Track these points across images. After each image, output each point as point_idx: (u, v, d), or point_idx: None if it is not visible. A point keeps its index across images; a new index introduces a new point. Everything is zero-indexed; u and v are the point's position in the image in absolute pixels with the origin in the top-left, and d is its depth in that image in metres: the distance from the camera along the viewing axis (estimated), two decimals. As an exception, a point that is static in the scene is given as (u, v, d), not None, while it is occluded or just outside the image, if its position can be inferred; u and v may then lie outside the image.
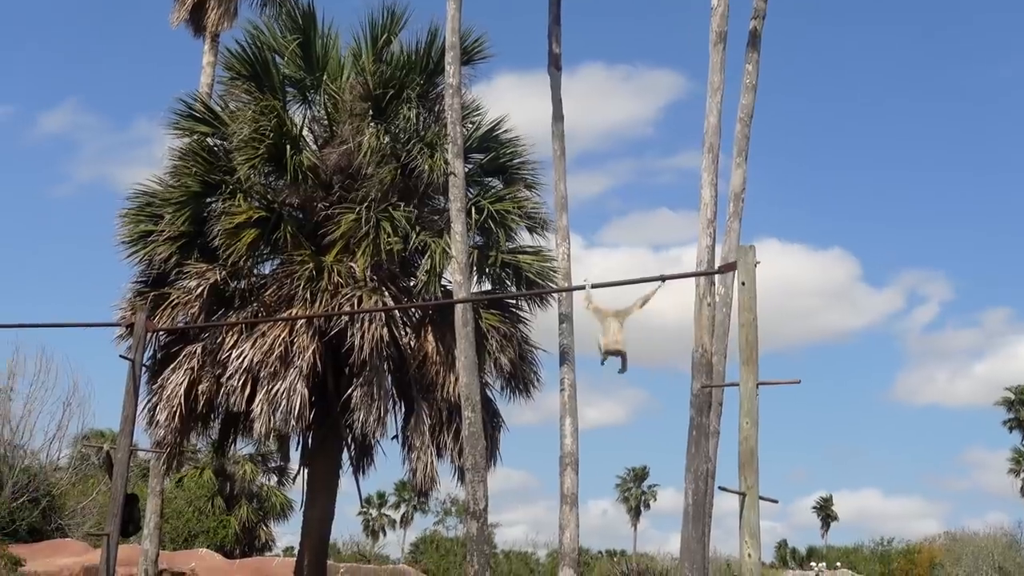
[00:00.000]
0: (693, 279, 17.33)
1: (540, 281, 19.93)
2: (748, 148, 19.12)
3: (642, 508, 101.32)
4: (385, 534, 76.16)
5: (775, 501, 10.85)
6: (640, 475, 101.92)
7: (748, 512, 10.36)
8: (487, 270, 20.12)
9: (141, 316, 15.44)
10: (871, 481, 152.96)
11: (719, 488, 11.57)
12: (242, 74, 20.49)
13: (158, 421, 19.05)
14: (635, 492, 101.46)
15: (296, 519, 46.70)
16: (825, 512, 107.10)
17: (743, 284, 10.70)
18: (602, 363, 14.55)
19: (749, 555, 10.36)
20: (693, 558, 15.93)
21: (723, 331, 18.11)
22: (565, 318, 19.89)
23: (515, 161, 20.86)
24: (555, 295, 20.01)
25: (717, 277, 17.62)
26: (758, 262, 10.78)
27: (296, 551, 21.46)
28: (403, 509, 75.86)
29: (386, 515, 76.05)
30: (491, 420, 19.99)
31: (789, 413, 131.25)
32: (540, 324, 20.81)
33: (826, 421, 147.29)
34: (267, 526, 46.69)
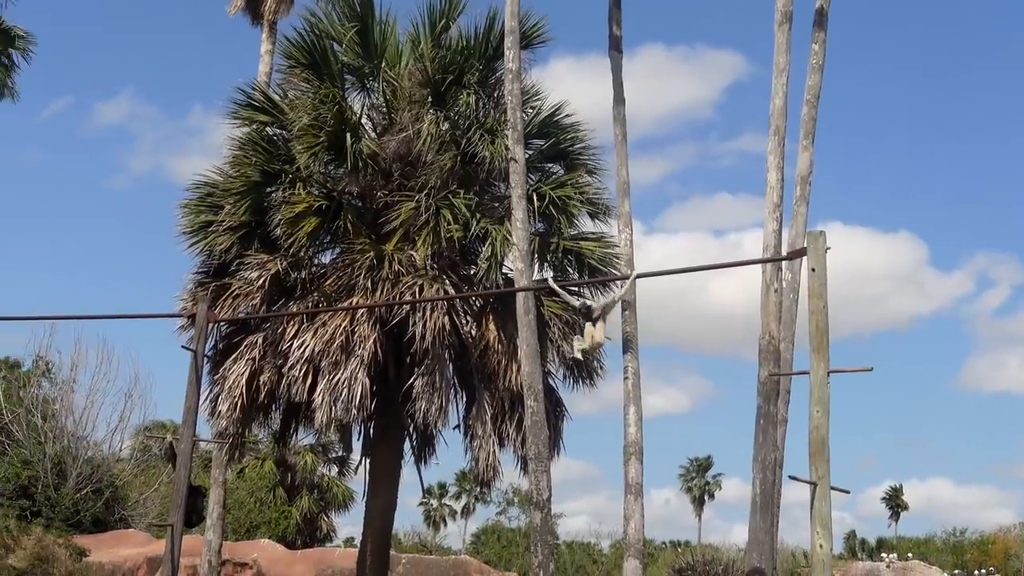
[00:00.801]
0: (759, 265, 17.25)
1: (602, 268, 19.92)
2: (815, 130, 18.95)
3: (706, 498, 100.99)
4: (446, 524, 76.68)
5: (846, 491, 10.81)
6: (704, 465, 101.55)
7: (819, 502, 10.33)
8: (548, 257, 20.16)
9: (203, 307, 15.69)
10: (941, 470, 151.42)
11: (789, 478, 11.55)
12: (300, 62, 20.66)
13: (220, 412, 19.33)
14: (699, 482, 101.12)
15: (357, 510, 47.16)
16: (895, 502, 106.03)
17: (813, 270, 10.64)
18: (584, 359, 15.17)
19: (820, 546, 10.33)
20: (761, 549, 15.88)
21: (790, 318, 18.00)
22: (628, 305, 19.83)
23: (576, 146, 20.85)
24: (618, 282, 19.97)
25: (784, 263, 17.51)
26: (828, 247, 10.72)
27: (356, 542, 21.72)
28: (464, 499, 76.28)
29: (447, 505, 76.55)
30: (554, 409, 20.05)
31: (855, 401, 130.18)
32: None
33: (893, 409, 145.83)
34: (328, 517, 47.18)
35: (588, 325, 14.77)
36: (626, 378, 19.44)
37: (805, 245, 11.19)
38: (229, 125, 20.58)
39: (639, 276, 15.61)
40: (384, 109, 21.02)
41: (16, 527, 29.13)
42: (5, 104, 29.69)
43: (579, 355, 15.68)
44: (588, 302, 15.73)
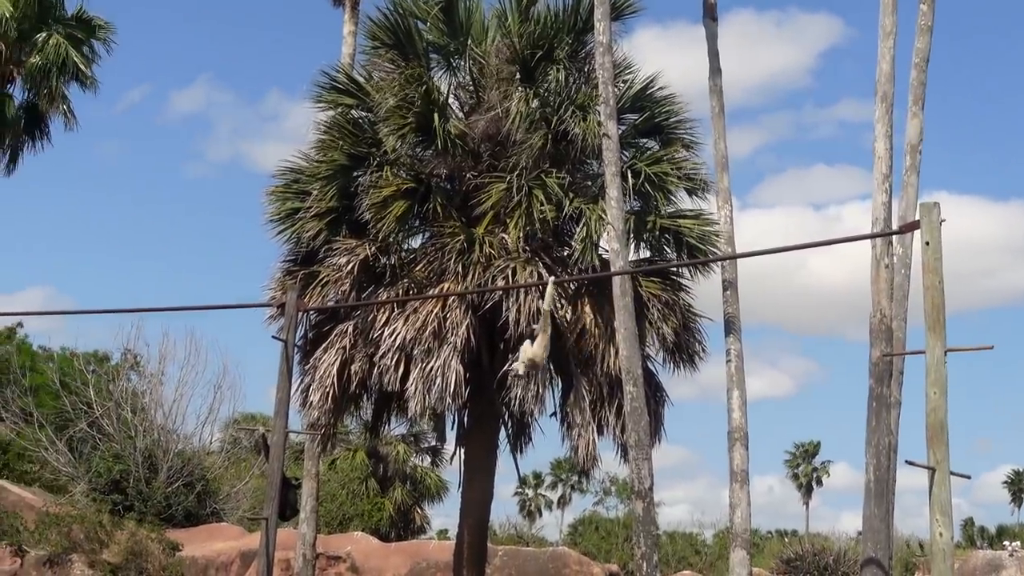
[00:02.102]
0: (867, 240, 16.99)
1: (702, 246, 19.80)
2: (924, 96, 18.58)
3: (813, 485, 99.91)
4: (541, 515, 76.92)
5: (967, 476, 10.66)
6: (811, 450, 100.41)
7: (938, 488, 10.20)
8: (645, 236, 20.08)
9: (292, 296, 15.92)
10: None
11: (905, 463, 11.39)
12: (385, 42, 20.82)
13: (311, 402, 19.62)
14: (805, 468, 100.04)
15: (450, 501, 47.56)
16: (1016, 487, 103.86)
17: (927, 244, 10.48)
18: (522, 374, 15.21)
19: (940, 534, 10.20)
20: (876, 537, 15.68)
21: (902, 295, 17.70)
22: (729, 285, 19.73)
23: (671, 120, 20.72)
24: (719, 262, 19.86)
25: (893, 237, 17.23)
26: (943, 219, 10.54)
27: (451, 534, 22.00)
28: (560, 489, 76.52)
29: (543, 495, 76.77)
30: (654, 394, 20.01)
31: (969, 380, 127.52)
32: (702, 292, 20.75)
33: (1010, 388, 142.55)
34: (421, 508, 47.51)
35: (526, 342, 14.96)
36: (728, 361, 19.35)
37: (917, 217, 10.99)
38: (314, 109, 20.88)
39: (740, 256, 15.44)
40: (471, 88, 21.12)
41: (109, 522, 29.86)
42: (87, 97, 30.44)
43: (521, 371, 15.65)
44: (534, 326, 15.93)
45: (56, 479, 38.86)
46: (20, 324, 52.36)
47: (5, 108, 29.52)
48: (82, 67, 29.84)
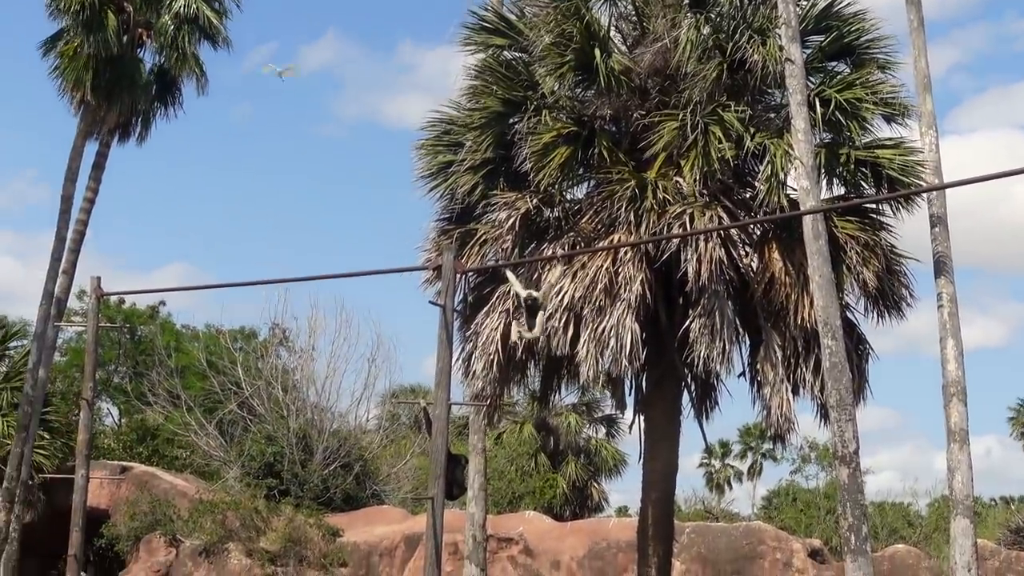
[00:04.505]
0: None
1: (904, 179, 19.34)
2: None
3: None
4: (731, 487, 76.36)
5: None
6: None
7: None
8: (838, 171, 19.71)
9: (448, 257, 16.15)
10: None
11: None
12: (536, -26, 20.83)
13: (474, 371, 19.90)
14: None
15: (629, 474, 47.59)
16: None
17: None
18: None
19: None
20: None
21: None
22: (938, 220, 19.28)
23: (862, 39, 20.23)
24: (924, 195, 19.42)
25: None
26: None
27: (632, 511, 22.02)
28: (750, 459, 75.80)
29: (731, 466, 76.21)
30: (855, 348, 19.74)
31: None
32: (904, 231, 20.31)
33: None
34: (598, 484, 47.68)
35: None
36: (940, 306, 18.97)
37: None
38: (462, 53, 21.04)
39: (950, 186, 15.04)
40: (634, 18, 21.00)
41: (265, 508, 30.85)
42: (218, 58, 31.19)
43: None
44: (534, 293, 16.85)
45: (208, 464, 40.39)
46: (163, 302, 54.52)
47: (136, 73, 30.47)
48: (214, 21, 30.59)
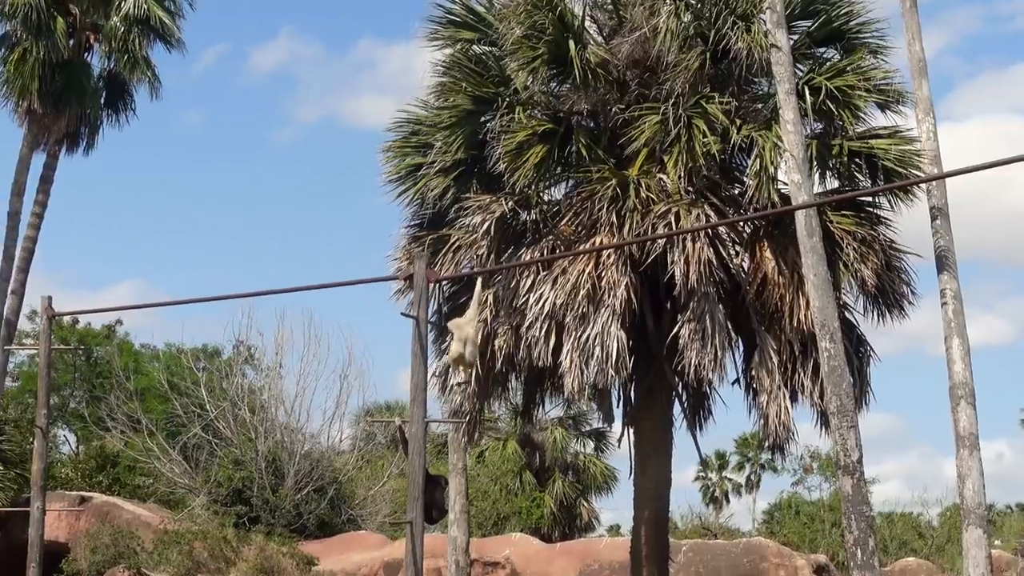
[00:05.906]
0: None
1: (901, 169, 19.35)
2: None
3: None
4: (728, 501, 76.39)
5: None
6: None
7: None
8: (831, 163, 19.77)
9: (420, 265, 16.00)
10: None
11: None
12: (504, -39, 20.79)
13: (452, 386, 19.83)
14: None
15: (621, 491, 47.59)
16: None
17: None
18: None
19: None
20: None
21: None
22: (939, 212, 19.23)
23: (852, 23, 20.25)
24: (923, 186, 19.40)
25: None
26: None
27: (624, 530, 21.98)
28: (747, 470, 75.86)
29: (728, 479, 76.25)
30: (856, 350, 19.79)
31: None
32: (906, 223, 20.32)
33: None
34: (588, 502, 47.60)
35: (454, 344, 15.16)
36: (944, 303, 18.91)
37: None
38: (428, 48, 21.06)
39: (950, 175, 15.04)
40: (610, 7, 21.01)
41: (235, 537, 30.66)
42: (171, 61, 31.12)
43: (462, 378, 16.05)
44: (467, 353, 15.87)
45: (172, 492, 40.08)
46: (119, 321, 54.19)
47: (82, 79, 30.34)
48: (166, 22, 30.52)
